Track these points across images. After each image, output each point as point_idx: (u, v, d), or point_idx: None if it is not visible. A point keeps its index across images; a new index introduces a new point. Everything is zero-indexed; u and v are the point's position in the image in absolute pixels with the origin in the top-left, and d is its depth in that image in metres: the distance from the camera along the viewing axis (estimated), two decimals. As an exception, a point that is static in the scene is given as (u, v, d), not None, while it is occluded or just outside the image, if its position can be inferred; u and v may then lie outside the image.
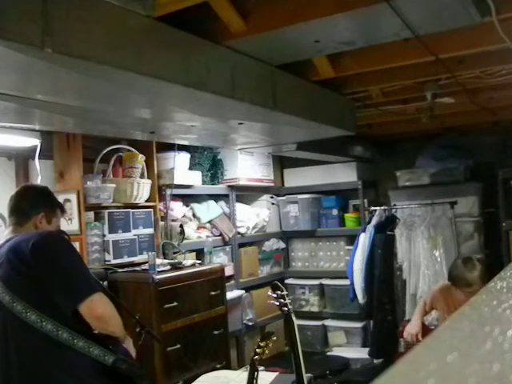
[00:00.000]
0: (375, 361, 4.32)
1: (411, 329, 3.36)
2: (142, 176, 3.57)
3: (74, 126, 2.84)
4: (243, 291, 4.37)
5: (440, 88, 3.07)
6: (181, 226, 3.79)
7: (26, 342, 2.04)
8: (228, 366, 3.43)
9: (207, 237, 4.10)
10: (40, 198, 2.30)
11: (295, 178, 5.22)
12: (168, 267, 3.30)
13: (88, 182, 3.20)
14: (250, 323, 4.42)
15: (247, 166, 4.47)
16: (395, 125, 4.32)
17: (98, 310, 2.03)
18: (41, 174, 3.07)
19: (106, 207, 3.32)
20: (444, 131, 4.68)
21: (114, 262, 3.26)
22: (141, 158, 3.55)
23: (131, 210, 3.45)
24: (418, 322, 3.38)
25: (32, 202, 2.26)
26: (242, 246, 4.56)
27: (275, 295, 2.25)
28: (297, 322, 2.22)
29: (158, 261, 3.32)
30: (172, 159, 3.77)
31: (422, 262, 4.14)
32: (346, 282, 4.54)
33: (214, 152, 4.36)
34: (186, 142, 3.60)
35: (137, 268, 3.35)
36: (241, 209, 4.58)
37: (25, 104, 2.14)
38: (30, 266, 2.01)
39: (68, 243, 2.17)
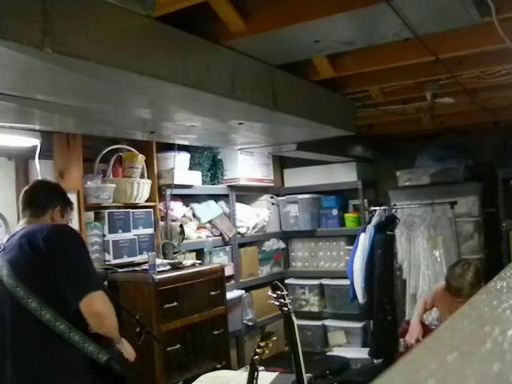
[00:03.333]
0: (375, 361, 4.32)
1: (412, 331, 3.35)
2: (142, 176, 3.57)
3: (74, 126, 2.84)
4: (243, 291, 4.37)
5: (440, 88, 3.07)
6: (181, 225, 3.79)
7: (22, 329, 2.06)
8: (228, 366, 3.43)
9: (207, 237, 4.10)
10: (55, 193, 2.36)
11: (295, 177, 5.22)
12: (168, 267, 3.30)
13: (88, 182, 3.21)
14: (250, 323, 4.42)
15: (247, 165, 4.47)
16: (395, 125, 4.32)
17: (97, 306, 2.04)
18: (41, 174, 3.07)
19: (106, 207, 3.32)
20: (444, 131, 4.68)
21: (113, 262, 3.26)
22: (141, 157, 3.55)
23: (131, 210, 3.45)
24: (418, 323, 3.38)
25: (48, 196, 2.31)
26: (242, 245, 4.56)
27: (275, 295, 2.25)
28: (297, 321, 2.22)
29: (158, 261, 3.31)
30: (172, 159, 3.77)
31: (422, 261, 4.14)
32: (346, 281, 4.54)
33: (214, 152, 4.36)
34: (186, 142, 3.60)
35: (137, 268, 3.35)
36: (241, 209, 4.58)
37: (25, 104, 2.14)
38: (41, 255, 2.04)
39: (80, 238, 2.21)
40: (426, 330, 3.35)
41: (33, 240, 2.07)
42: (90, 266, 2.16)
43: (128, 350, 2.28)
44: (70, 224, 2.41)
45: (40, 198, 2.29)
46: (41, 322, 2.01)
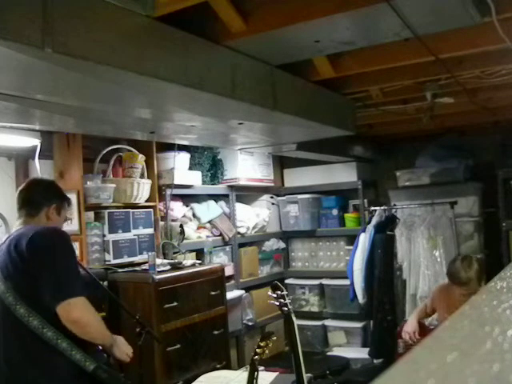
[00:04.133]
0: (375, 361, 4.32)
1: (407, 327, 3.38)
2: (142, 176, 3.57)
3: (74, 126, 2.84)
4: (243, 291, 4.37)
5: (440, 88, 3.07)
6: (181, 226, 3.79)
7: (12, 335, 2.05)
8: (228, 366, 3.43)
9: (207, 237, 4.10)
10: (51, 190, 2.34)
11: (295, 178, 5.22)
12: (168, 267, 3.30)
13: (88, 182, 3.21)
14: (250, 323, 4.42)
15: (247, 165, 4.47)
16: (395, 125, 4.32)
17: (74, 314, 1.99)
18: (41, 174, 3.07)
19: (106, 207, 3.32)
20: (444, 131, 4.68)
21: (113, 262, 3.26)
22: (141, 157, 3.55)
23: (131, 210, 3.45)
24: (414, 320, 3.40)
25: (44, 194, 2.29)
26: (242, 245, 4.56)
27: (275, 295, 2.25)
28: (297, 322, 2.22)
29: (158, 261, 3.31)
30: (172, 159, 3.77)
31: (422, 262, 4.14)
32: (346, 281, 4.54)
33: (214, 152, 4.36)
34: (186, 142, 3.60)
35: (137, 268, 3.35)
36: (241, 209, 4.58)
37: (25, 104, 2.14)
38: (24, 260, 2.02)
39: (65, 242, 2.14)
40: (426, 330, 3.36)
41: (19, 245, 2.04)
42: (72, 270, 2.09)
43: (122, 351, 2.21)
44: (68, 222, 2.39)
45: (35, 197, 2.26)
46: (29, 329, 1.99)
